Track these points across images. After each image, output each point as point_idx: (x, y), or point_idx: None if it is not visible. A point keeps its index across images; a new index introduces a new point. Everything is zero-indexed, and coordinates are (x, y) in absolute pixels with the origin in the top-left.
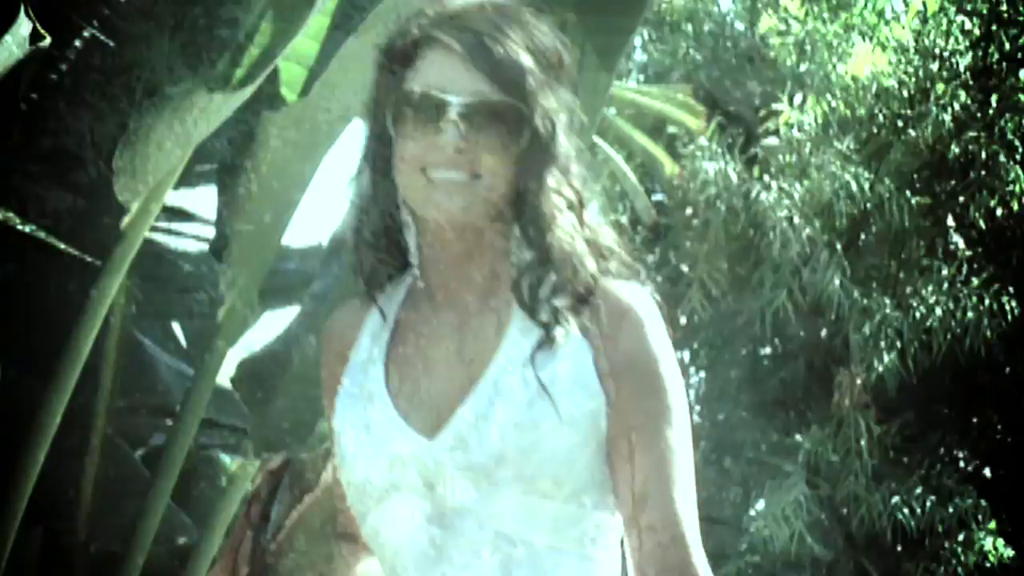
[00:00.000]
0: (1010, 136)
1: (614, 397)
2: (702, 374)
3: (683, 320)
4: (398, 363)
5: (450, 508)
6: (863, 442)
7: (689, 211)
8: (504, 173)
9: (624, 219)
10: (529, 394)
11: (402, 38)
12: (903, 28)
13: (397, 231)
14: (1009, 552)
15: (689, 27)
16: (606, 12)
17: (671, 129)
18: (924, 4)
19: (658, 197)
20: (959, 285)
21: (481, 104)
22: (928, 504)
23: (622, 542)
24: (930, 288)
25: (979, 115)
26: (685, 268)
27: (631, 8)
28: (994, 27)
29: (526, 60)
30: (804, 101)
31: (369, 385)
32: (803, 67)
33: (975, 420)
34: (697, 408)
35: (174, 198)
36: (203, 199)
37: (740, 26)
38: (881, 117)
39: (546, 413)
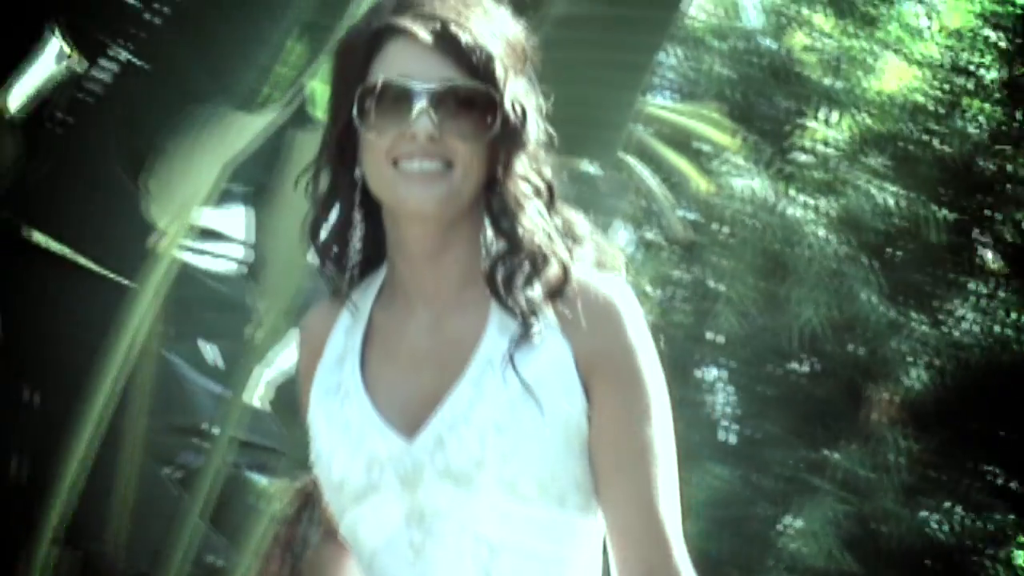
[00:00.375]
0: None
1: (594, 395)
2: (733, 390)
3: (714, 337)
4: (373, 361)
5: (429, 510)
6: (895, 458)
7: (719, 228)
8: (477, 161)
9: (654, 236)
10: (510, 395)
11: (363, 29)
12: (933, 43)
13: (363, 227)
14: None
15: (717, 43)
16: (632, 29)
17: (701, 146)
18: (953, 20)
19: (688, 214)
20: (991, 300)
21: (451, 90)
22: (961, 520)
23: (604, 544)
24: (962, 303)
25: (1009, 130)
26: (716, 285)
27: (657, 25)
28: None
29: (493, 45)
30: (834, 117)
31: (345, 382)
32: (833, 83)
33: (1008, 435)
34: (728, 425)
35: (205, 218)
36: (233, 219)
37: (769, 42)
38: (911, 132)
39: (528, 414)
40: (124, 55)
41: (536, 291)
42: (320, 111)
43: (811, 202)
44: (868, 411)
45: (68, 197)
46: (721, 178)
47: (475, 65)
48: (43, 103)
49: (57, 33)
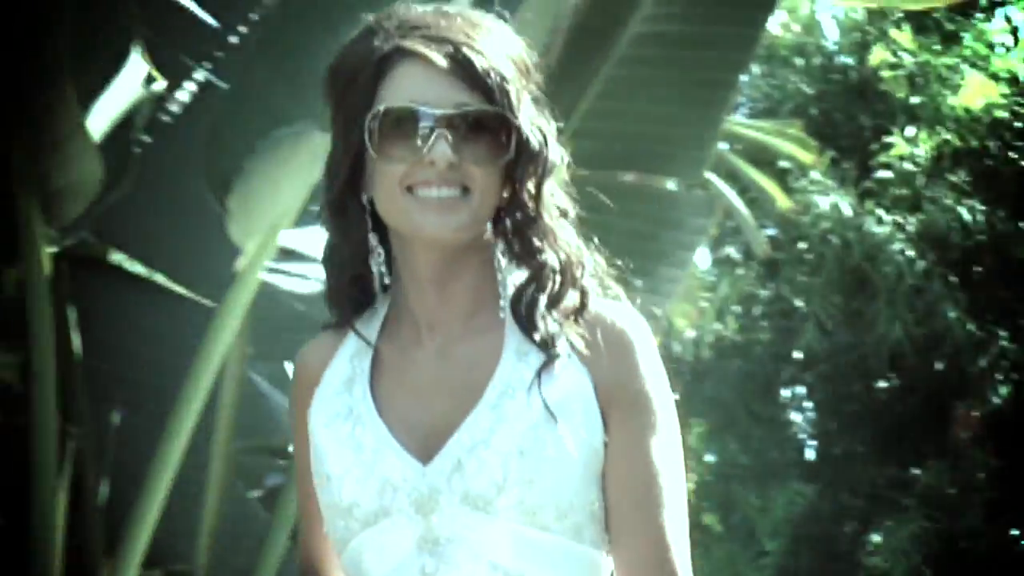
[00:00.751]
0: None
1: (610, 425)
2: (816, 408)
3: (797, 354)
4: (383, 388)
5: (444, 537)
6: (980, 475)
7: (802, 245)
8: (493, 186)
9: (736, 254)
10: (532, 419)
11: (367, 52)
12: (1014, 59)
13: (368, 255)
14: None
15: (798, 61)
16: (717, 46)
17: (783, 163)
18: None
19: (771, 232)
20: None
21: (466, 115)
22: None
23: None
24: None
25: None
26: (799, 302)
27: (742, 43)
28: None
29: (505, 67)
30: (916, 133)
31: (356, 406)
32: (915, 99)
33: None
34: (813, 443)
35: (287, 239)
36: (316, 240)
37: (849, 59)
38: (993, 147)
39: (551, 440)
40: (207, 76)
41: (559, 316)
42: None
43: (893, 218)
44: (952, 428)
45: (150, 218)
46: (803, 195)
47: (489, 88)
48: (125, 124)
49: (140, 54)
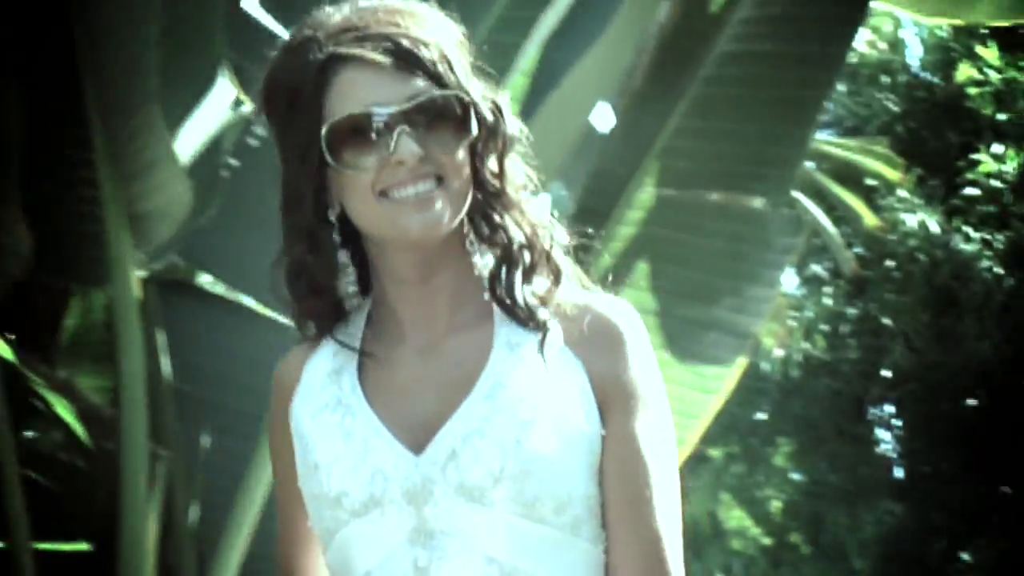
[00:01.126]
0: None
1: (605, 419)
2: (904, 426)
3: (885, 372)
4: (370, 383)
5: (438, 529)
6: None
7: (890, 263)
8: (464, 168)
9: (824, 272)
10: (529, 408)
11: (304, 67)
12: None
13: (354, 268)
14: None
15: (885, 79)
16: (803, 66)
17: (870, 181)
18: None
19: (858, 250)
20: None
21: (421, 104)
22: None
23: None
24: None
25: None
26: (887, 321)
27: (828, 62)
28: None
29: (445, 46)
30: (1003, 150)
31: (344, 396)
32: (1001, 116)
33: None
34: (901, 462)
35: None
36: None
37: (935, 76)
38: None
39: (550, 429)
40: None
41: (539, 289)
42: None
43: (981, 236)
44: None
45: (238, 241)
46: (890, 213)
47: (436, 72)
48: (213, 148)
49: (227, 78)
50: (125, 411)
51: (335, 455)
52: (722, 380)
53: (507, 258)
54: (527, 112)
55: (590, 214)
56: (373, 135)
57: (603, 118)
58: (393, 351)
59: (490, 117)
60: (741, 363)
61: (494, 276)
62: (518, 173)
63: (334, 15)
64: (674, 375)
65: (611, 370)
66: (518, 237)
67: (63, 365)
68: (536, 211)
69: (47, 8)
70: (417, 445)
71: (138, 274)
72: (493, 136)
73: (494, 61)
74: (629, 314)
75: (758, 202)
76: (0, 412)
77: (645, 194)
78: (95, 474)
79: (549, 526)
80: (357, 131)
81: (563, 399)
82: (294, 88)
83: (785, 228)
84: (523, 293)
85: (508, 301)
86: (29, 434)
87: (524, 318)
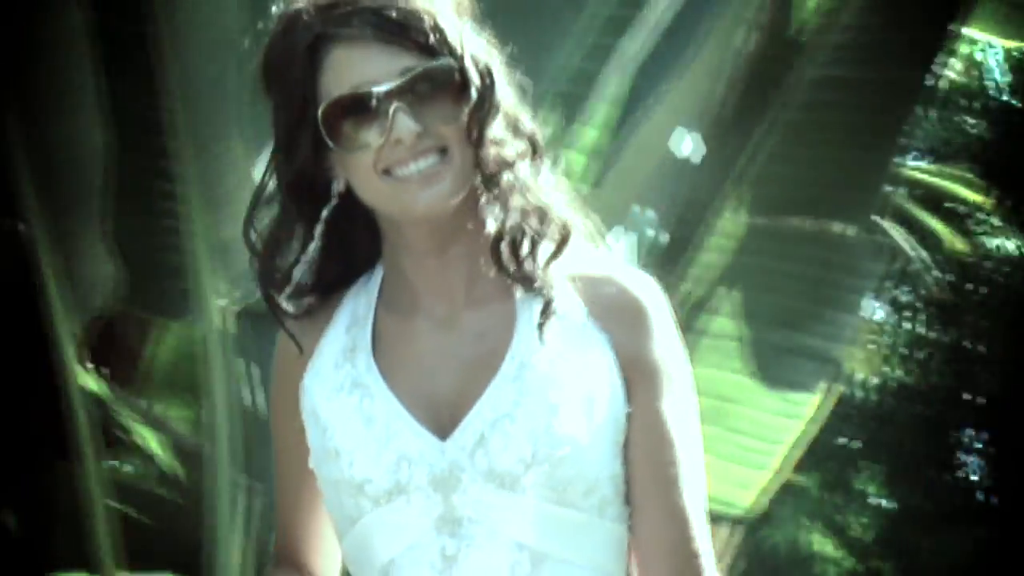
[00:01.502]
0: None
1: (631, 396)
2: (995, 452)
3: (973, 398)
4: (386, 358)
5: (466, 516)
6: None
7: (976, 288)
8: (467, 137)
9: (910, 298)
10: (558, 391)
11: (289, 46)
12: None
13: (347, 237)
14: None
15: (968, 103)
16: (888, 91)
17: (955, 206)
18: None
19: (944, 275)
20: None
21: (415, 78)
22: None
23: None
24: None
25: None
26: (974, 345)
27: (912, 87)
28: None
29: (436, 12)
30: None
31: (360, 376)
32: None
33: None
34: (991, 488)
35: None
36: None
37: (1018, 101)
38: None
39: (579, 411)
40: None
41: (543, 254)
42: (577, 181)
43: None
44: None
45: None
46: (976, 238)
47: (427, 42)
48: None
49: None
50: (212, 442)
51: (356, 441)
52: (807, 406)
53: (506, 225)
54: (612, 140)
55: (675, 241)
56: (368, 115)
57: (688, 146)
58: (409, 323)
59: (478, 82)
60: (828, 389)
61: (496, 243)
62: (512, 139)
63: None
64: (759, 401)
65: (636, 346)
66: (520, 205)
67: (151, 397)
68: (541, 178)
69: (133, 40)
70: (441, 427)
71: (222, 304)
72: (482, 102)
73: (578, 88)
74: (653, 287)
75: (843, 228)
76: (88, 443)
77: (729, 221)
78: (182, 505)
79: (577, 509)
80: (352, 111)
81: (590, 378)
82: (285, 68)
83: (870, 254)
84: (529, 262)
85: (512, 269)
86: (116, 465)
87: (529, 287)
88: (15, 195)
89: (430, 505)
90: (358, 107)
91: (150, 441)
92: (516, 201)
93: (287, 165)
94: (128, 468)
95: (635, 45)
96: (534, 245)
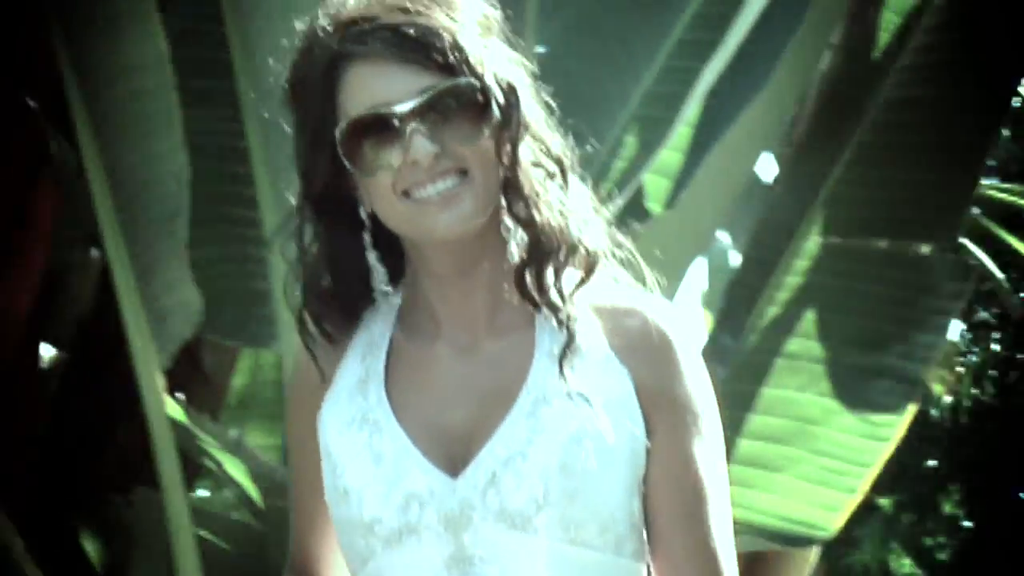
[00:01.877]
0: None
1: (652, 430)
2: None
3: None
4: (400, 390)
5: (477, 556)
6: None
7: None
8: (491, 158)
9: (990, 318)
10: (573, 429)
11: (311, 66)
12: None
13: (366, 267)
14: None
15: None
16: (968, 111)
17: None
18: None
19: None
20: None
21: (433, 97)
22: None
23: None
24: None
25: None
26: None
27: (993, 106)
28: None
29: (454, 28)
30: None
31: (372, 412)
32: None
33: None
34: None
35: None
36: None
37: None
38: None
39: (594, 451)
40: None
41: (569, 283)
42: (656, 203)
43: None
44: None
45: None
46: None
47: (447, 61)
48: None
49: None
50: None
51: (365, 480)
52: (892, 427)
53: (531, 250)
54: (691, 163)
55: (755, 264)
56: (385, 135)
57: (767, 168)
58: (428, 350)
59: (501, 101)
60: (910, 410)
61: (520, 269)
62: (540, 160)
63: (348, 3)
64: (844, 423)
65: (661, 381)
66: (545, 230)
67: (233, 424)
68: (571, 202)
69: (211, 67)
70: (452, 462)
71: None
72: (506, 121)
73: (655, 111)
74: (679, 320)
75: (925, 248)
76: (170, 470)
77: (811, 243)
78: (266, 533)
79: (592, 548)
80: (370, 131)
81: (608, 414)
82: (305, 86)
83: (952, 274)
84: (553, 290)
85: (535, 297)
86: (200, 493)
87: (552, 315)
88: (95, 223)
89: (441, 545)
90: (376, 127)
91: (231, 468)
92: (542, 226)
93: (309, 188)
94: (210, 495)
95: (715, 68)
96: (559, 272)
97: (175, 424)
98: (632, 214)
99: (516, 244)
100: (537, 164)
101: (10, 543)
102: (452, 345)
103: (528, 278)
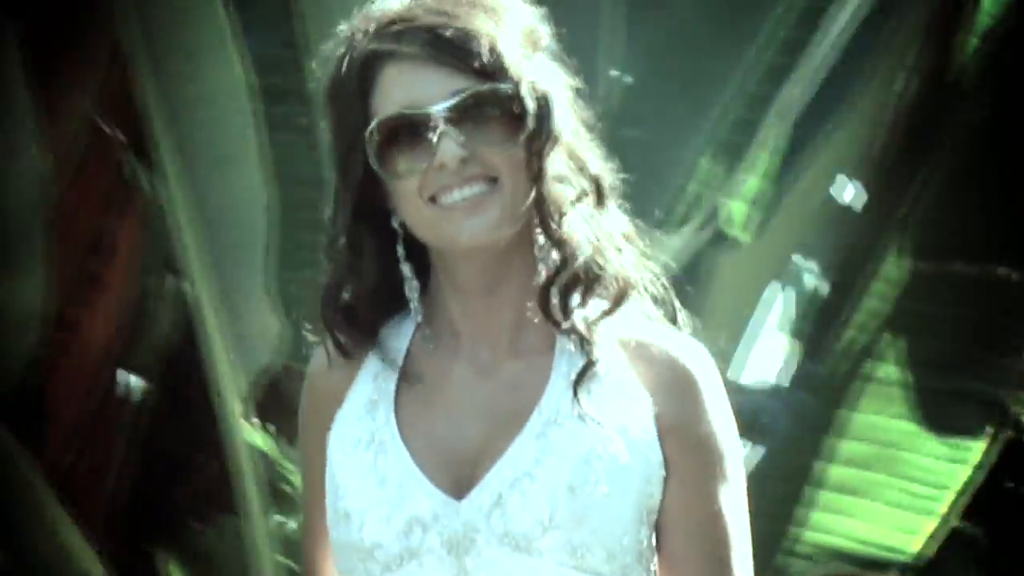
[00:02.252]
0: None
1: (671, 462)
2: None
3: None
4: (410, 408)
5: None
6: None
7: None
8: (522, 167)
9: None
10: (583, 451)
11: (347, 65)
12: None
13: (394, 275)
14: None
15: None
16: None
17: None
18: None
19: None
20: None
21: (465, 100)
22: None
23: None
24: None
25: None
26: None
27: None
28: None
29: (494, 34)
30: None
31: (379, 431)
32: None
33: None
34: None
35: None
36: None
37: None
38: None
39: (604, 475)
40: None
41: (595, 309)
42: (739, 230)
43: None
44: None
45: None
46: None
47: (483, 65)
48: None
49: None
50: None
51: (367, 502)
52: (974, 451)
53: (559, 270)
54: (773, 188)
55: (838, 288)
56: (415, 138)
57: (849, 193)
58: (447, 367)
59: (535, 109)
60: (995, 434)
61: (546, 287)
62: (570, 176)
63: (383, 6)
64: (925, 446)
65: (684, 419)
66: (571, 250)
67: None
68: (607, 226)
69: (292, 97)
70: (458, 485)
71: None
72: (538, 133)
73: (739, 137)
74: (706, 358)
75: (1008, 272)
76: (254, 498)
77: (892, 267)
78: None
79: (599, 574)
80: (399, 134)
81: (622, 441)
82: (340, 87)
83: None
84: (578, 314)
85: (558, 319)
86: (282, 520)
87: (573, 340)
88: (178, 252)
89: (443, 569)
90: (405, 129)
91: None
92: (573, 246)
93: (345, 192)
94: (293, 523)
95: (795, 93)
96: (585, 297)
97: (260, 452)
98: (713, 242)
99: (544, 262)
100: (566, 180)
101: (89, 570)
102: (471, 363)
103: (552, 299)
